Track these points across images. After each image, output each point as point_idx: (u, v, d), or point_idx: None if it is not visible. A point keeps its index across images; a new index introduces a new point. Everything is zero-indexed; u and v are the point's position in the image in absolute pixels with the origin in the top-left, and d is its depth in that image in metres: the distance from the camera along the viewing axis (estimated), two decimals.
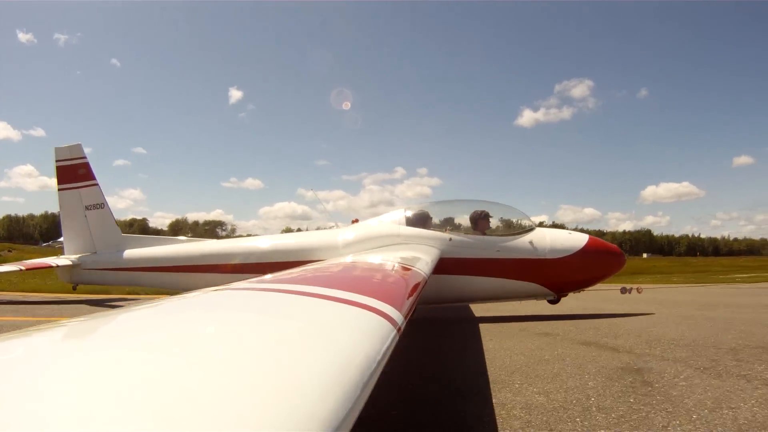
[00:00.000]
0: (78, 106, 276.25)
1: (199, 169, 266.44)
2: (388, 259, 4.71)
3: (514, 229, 7.31)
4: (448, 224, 7.34)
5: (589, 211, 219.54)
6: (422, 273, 3.60)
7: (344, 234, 7.29)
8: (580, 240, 7.14)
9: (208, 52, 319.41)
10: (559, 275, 6.95)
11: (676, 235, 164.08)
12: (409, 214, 7.33)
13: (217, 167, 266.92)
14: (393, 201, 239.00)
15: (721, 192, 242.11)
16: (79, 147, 8.10)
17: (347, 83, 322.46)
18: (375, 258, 5.05)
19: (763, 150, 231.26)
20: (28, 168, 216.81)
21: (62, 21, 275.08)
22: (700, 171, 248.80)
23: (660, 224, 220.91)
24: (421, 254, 5.44)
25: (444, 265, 6.34)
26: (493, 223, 7.38)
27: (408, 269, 3.85)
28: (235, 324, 1.54)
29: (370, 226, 7.44)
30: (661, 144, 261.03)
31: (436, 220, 7.42)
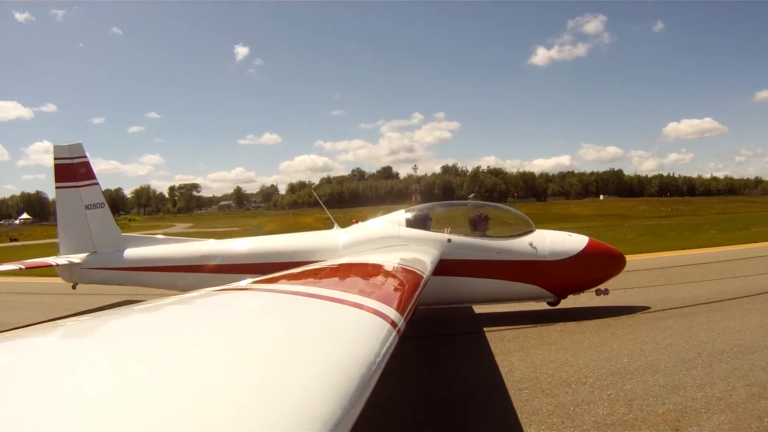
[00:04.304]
0: (85, 78, 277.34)
1: (215, 128, 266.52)
2: (388, 261, 4.71)
3: (513, 230, 7.31)
4: (448, 226, 7.34)
5: (612, 150, 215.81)
6: (422, 274, 3.60)
7: (344, 235, 7.31)
8: (580, 242, 7.14)
9: (208, 10, 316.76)
10: (559, 277, 6.94)
11: (704, 174, 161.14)
12: (409, 215, 7.36)
13: (232, 125, 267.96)
14: (413, 147, 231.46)
15: (744, 127, 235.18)
16: (79, 146, 8.12)
17: (353, 30, 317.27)
18: (374, 259, 5.04)
19: None
20: (45, 144, 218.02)
21: None
22: (722, 106, 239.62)
23: (683, 161, 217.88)
24: (420, 255, 5.44)
25: (443, 267, 6.34)
26: (493, 224, 7.38)
27: (407, 270, 3.86)
28: (235, 324, 1.54)
29: (369, 228, 7.47)
30: (681, 79, 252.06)
31: (435, 221, 7.43)
